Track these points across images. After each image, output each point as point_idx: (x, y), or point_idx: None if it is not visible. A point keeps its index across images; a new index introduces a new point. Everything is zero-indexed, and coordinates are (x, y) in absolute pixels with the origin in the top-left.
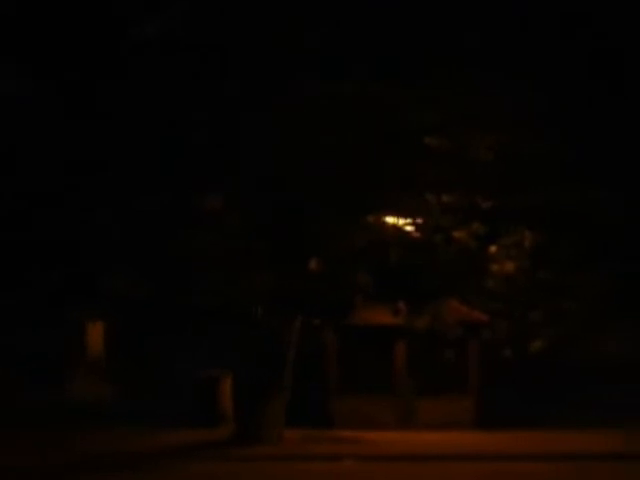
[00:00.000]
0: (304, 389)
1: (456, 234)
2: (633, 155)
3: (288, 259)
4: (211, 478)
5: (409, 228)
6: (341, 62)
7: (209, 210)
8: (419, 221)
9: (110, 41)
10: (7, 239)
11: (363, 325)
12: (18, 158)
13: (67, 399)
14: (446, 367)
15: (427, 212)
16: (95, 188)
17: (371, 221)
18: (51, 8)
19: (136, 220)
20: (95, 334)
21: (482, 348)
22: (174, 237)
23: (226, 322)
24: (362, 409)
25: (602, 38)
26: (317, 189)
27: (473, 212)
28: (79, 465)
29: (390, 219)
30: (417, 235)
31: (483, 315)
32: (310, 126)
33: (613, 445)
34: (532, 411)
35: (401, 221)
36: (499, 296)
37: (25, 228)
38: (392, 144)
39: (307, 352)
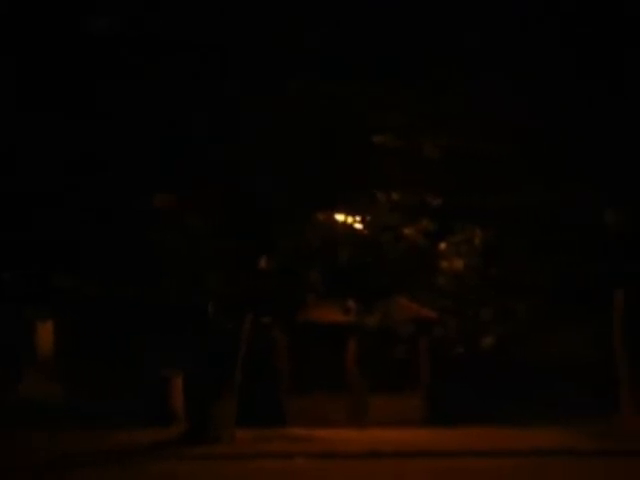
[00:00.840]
0: (256, 388)
1: (405, 231)
2: (588, 155)
3: (240, 257)
4: (166, 477)
5: (359, 226)
6: (293, 60)
7: (163, 209)
8: (368, 219)
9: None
10: None
11: (314, 323)
12: None
13: (18, 399)
14: (397, 364)
15: (376, 210)
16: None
17: (322, 219)
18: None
19: (96, 220)
20: (45, 333)
21: (433, 345)
22: (130, 236)
23: (178, 321)
24: (314, 407)
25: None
26: (270, 186)
27: (422, 209)
28: (31, 466)
29: (340, 217)
30: (366, 233)
31: (433, 312)
32: (263, 123)
33: (564, 441)
34: (483, 408)
35: (351, 219)
36: (449, 293)
37: None
38: (343, 142)
39: (258, 350)
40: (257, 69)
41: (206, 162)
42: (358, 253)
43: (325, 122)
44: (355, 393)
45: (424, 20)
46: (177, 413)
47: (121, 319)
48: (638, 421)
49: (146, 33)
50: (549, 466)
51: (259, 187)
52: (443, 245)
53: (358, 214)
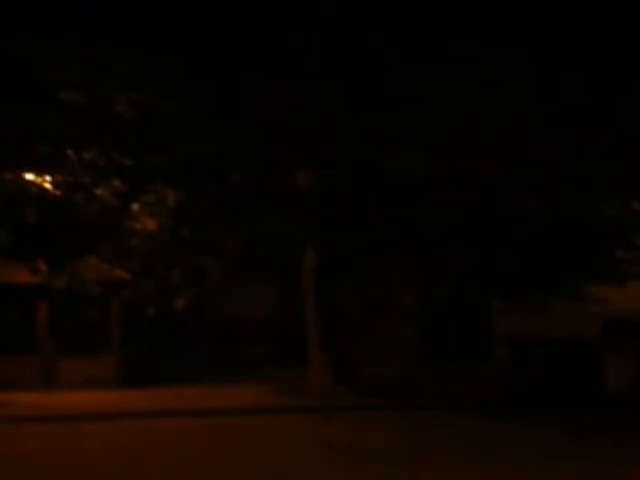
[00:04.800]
0: None
1: (97, 191)
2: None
3: None
4: None
5: (48, 185)
6: None
7: None
8: (59, 178)
9: None
10: None
11: (2, 284)
12: None
13: None
14: (89, 326)
15: (67, 168)
16: None
17: (9, 177)
18: None
19: None
20: None
21: (125, 307)
22: None
23: None
24: (4, 370)
25: None
26: None
27: (114, 169)
28: None
29: (29, 176)
30: (57, 192)
31: (125, 273)
32: None
33: (255, 399)
34: (177, 368)
35: (40, 178)
36: (141, 254)
37: None
38: (28, 98)
39: None
40: None
41: None
42: (47, 213)
43: (8, 78)
44: (45, 355)
45: None
46: None
47: None
48: (326, 378)
49: None
50: (239, 424)
51: None
52: (135, 205)
53: (48, 173)
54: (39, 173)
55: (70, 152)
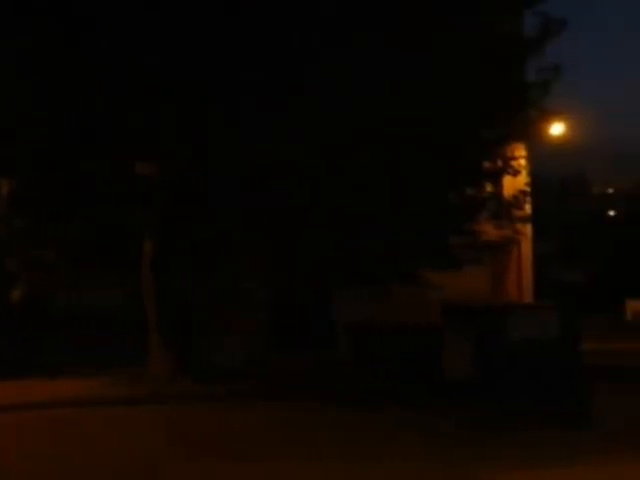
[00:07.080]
0: None
1: None
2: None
3: None
4: None
5: None
6: None
7: None
8: None
9: None
10: None
11: None
12: None
13: None
14: None
15: None
16: None
17: None
18: None
19: None
20: None
21: None
22: None
23: None
24: None
25: None
26: None
27: None
28: None
29: None
30: None
31: None
32: None
33: (93, 390)
34: (16, 361)
35: None
36: None
37: None
38: None
39: None
40: None
41: None
42: None
43: None
44: None
45: None
46: None
47: None
48: (166, 368)
49: None
50: (74, 416)
51: None
52: None
53: None
54: None
55: None
